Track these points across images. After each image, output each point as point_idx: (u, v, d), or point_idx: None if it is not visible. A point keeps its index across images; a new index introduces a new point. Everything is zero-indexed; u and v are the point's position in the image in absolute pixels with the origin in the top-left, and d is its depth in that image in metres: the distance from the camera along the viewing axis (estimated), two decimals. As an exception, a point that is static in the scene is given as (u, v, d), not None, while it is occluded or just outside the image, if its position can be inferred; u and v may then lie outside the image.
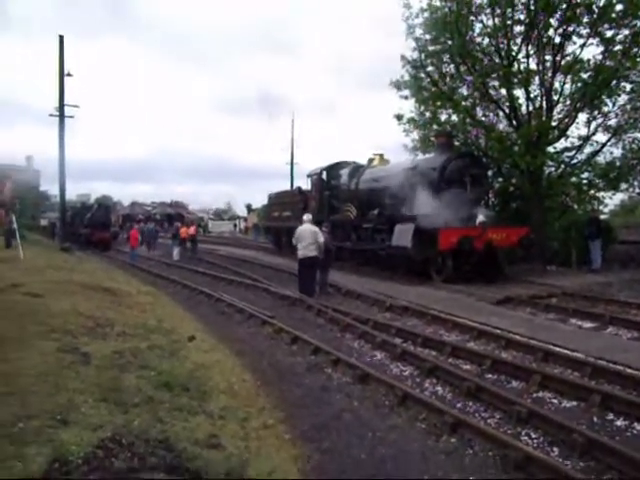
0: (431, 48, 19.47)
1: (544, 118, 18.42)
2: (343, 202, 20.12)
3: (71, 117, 27.99)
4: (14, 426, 4.12)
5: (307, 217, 13.69)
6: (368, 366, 7.54)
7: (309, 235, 12.95)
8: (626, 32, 17.23)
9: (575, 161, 19.19)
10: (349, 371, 7.40)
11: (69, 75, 27.24)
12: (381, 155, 20.60)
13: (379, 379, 6.91)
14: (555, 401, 6.20)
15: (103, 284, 13.34)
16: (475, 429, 5.26)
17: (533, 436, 5.26)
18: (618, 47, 17.41)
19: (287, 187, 36.30)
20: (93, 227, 32.55)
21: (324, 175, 21.76)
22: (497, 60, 18.94)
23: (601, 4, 17.01)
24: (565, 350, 7.78)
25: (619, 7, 16.93)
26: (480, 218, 14.57)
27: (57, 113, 27.24)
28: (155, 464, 3.93)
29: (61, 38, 26.91)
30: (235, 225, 60.72)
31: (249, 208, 64.49)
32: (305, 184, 23.79)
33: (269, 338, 9.72)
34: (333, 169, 21.58)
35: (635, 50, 17.28)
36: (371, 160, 20.73)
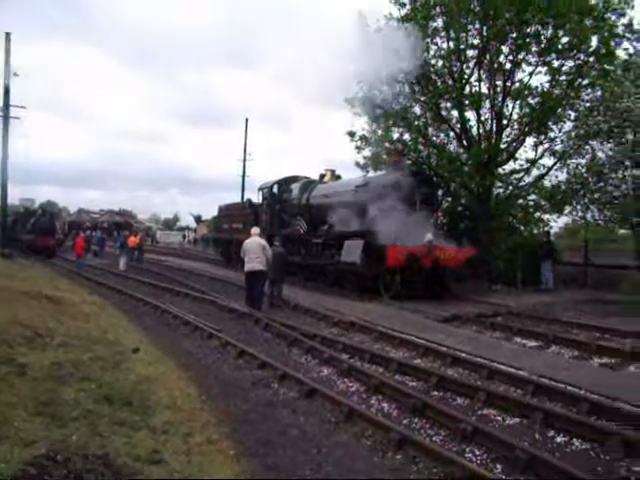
0: (385, 68, 19.75)
1: (494, 140, 18.97)
2: (294, 216, 20.19)
3: (17, 118, 27.17)
4: (-60, 440, 3.90)
5: (255, 230, 13.60)
6: (315, 382, 7.50)
7: (256, 248, 12.83)
8: (571, 63, 18.02)
9: (522, 183, 19.81)
10: (295, 386, 7.33)
11: (16, 75, 26.46)
12: (332, 171, 20.77)
13: (325, 395, 6.87)
14: (499, 418, 6.29)
15: (46, 292, 12.88)
16: (420, 446, 5.27)
17: (477, 453, 5.31)
18: (564, 77, 18.15)
19: (238, 199, 36.09)
20: (37, 233, 31.47)
21: (275, 189, 21.84)
22: (450, 82, 19.42)
23: (548, 35, 17.71)
24: (509, 368, 7.92)
25: (565, 39, 17.68)
26: (428, 237, 14.79)
27: (1, 113, 26.36)
28: (92, 481, 3.77)
29: (7, 35, 26.14)
30: (184, 236, 59.83)
31: (198, 219, 63.72)
32: (257, 197, 23.74)
33: (215, 351, 9.56)
34: (285, 183, 21.68)
35: (579, 80, 18.04)
36: (322, 176, 20.90)
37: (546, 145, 19.30)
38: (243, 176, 42.75)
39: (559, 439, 5.63)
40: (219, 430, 5.64)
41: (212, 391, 7.16)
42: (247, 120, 43.10)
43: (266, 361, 8.42)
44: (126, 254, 25.75)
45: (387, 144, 20.92)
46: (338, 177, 20.59)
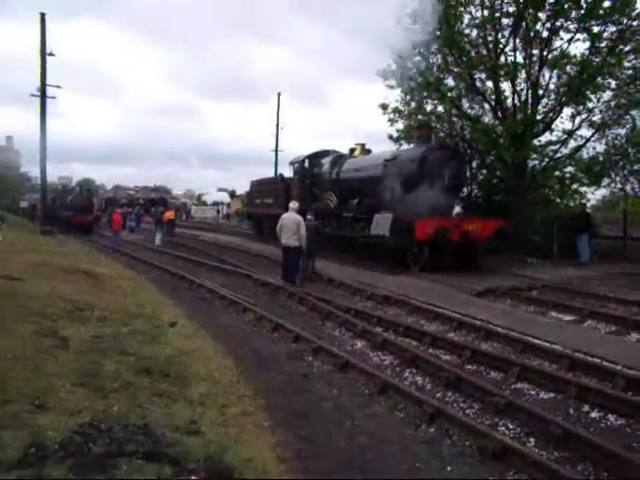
0: (419, 39, 19.41)
1: (529, 111, 18.52)
2: (324, 191, 20.26)
3: (53, 98, 27.61)
4: (-10, 410, 4.08)
5: (293, 205, 13.59)
6: (349, 354, 7.58)
7: (292, 225, 12.89)
8: (613, 29, 17.40)
9: (559, 155, 19.37)
10: (330, 359, 7.42)
11: (51, 55, 26.80)
12: (362, 145, 20.66)
13: (359, 368, 6.94)
14: (533, 392, 6.27)
15: (84, 268, 13.21)
16: (453, 419, 5.31)
17: (510, 427, 5.32)
18: (604, 43, 17.54)
19: (271, 174, 36.16)
20: (75, 210, 32.14)
21: (306, 163, 21.89)
22: (484, 52, 18.99)
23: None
24: (544, 342, 7.86)
25: (607, 3, 17.04)
26: (456, 209, 14.91)
27: (38, 93, 26.82)
28: (133, 450, 3.91)
29: (42, 16, 26.44)
30: (218, 211, 60.36)
31: (232, 194, 64.13)
32: (288, 172, 23.79)
33: (250, 325, 9.71)
34: (315, 158, 21.71)
35: (621, 47, 17.43)
36: (352, 150, 20.81)
37: (584, 115, 18.78)
38: (276, 150, 42.78)
39: (594, 414, 5.60)
40: (255, 402, 5.76)
41: (247, 364, 7.29)
42: (279, 94, 42.96)
43: (300, 334, 8.52)
44: (161, 229, 26.18)
45: (420, 116, 20.70)
46: (368, 151, 20.44)
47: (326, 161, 20.70)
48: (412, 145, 18.19)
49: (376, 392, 6.23)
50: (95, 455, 3.74)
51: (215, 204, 65.54)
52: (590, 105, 18.54)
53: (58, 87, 27.97)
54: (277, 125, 42.97)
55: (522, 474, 4.40)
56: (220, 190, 70.02)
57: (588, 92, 18.11)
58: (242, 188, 50.45)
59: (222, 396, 5.72)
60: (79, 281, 11.22)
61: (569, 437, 4.83)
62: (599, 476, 4.39)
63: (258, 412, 5.48)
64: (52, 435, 3.85)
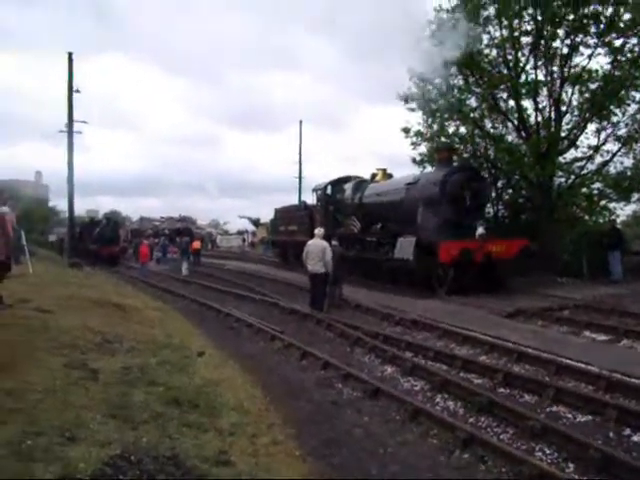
0: (438, 60, 19.50)
1: (553, 129, 18.42)
2: (347, 216, 20.41)
3: (79, 133, 28.28)
4: (22, 443, 4.08)
5: (318, 232, 13.59)
6: (378, 381, 7.48)
7: (317, 251, 12.88)
8: (634, 41, 17.23)
9: (585, 171, 19.15)
10: (359, 386, 7.33)
11: (77, 91, 27.53)
12: (384, 170, 20.81)
13: (390, 394, 6.84)
14: (570, 415, 6.10)
15: (112, 299, 13.33)
16: (488, 444, 5.18)
17: (547, 452, 5.17)
18: (627, 56, 17.39)
19: (294, 201, 36.38)
20: (101, 242, 32.60)
21: (329, 190, 22.15)
22: (505, 71, 19.01)
23: (608, 14, 17.03)
24: (578, 363, 7.67)
25: (627, 16, 16.94)
26: (479, 230, 14.94)
27: (66, 129, 27.51)
28: (164, 481, 3.87)
29: (70, 55, 27.29)
30: (244, 240, 60.75)
31: (257, 222, 64.49)
32: (311, 199, 24.00)
33: (278, 353, 9.67)
34: (337, 184, 21.97)
35: (644, 59, 17.26)
36: (374, 175, 20.96)
37: (609, 130, 18.60)
38: (299, 177, 43.16)
39: (636, 438, 5.41)
40: (285, 431, 5.70)
41: (276, 392, 7.24)
42: (301, 122, 43.45)
43: (329, 361, 8.46)
44: (187, 259, 26.40)
45: (442, 138, 20.71)
46: (390, 176, 20.55)
47: (348, 187, 20.89)
48: (433, 168, 18.19)
49: (407, 418, 6.12)
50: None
51: (240, 233, 66.00)
52: (615, 119, 18.39)
53: (84, 122, 28.72)
54: (299, 152, 43.46)
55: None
56: (242, 217, 70.48)
57: (612, 106, 17.97)
58: (266, 216, 50.76)
59: (252, 425, 5.66)
60: (107, 313, 11.30)
61: (609, 462, 4.67)
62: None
63: (288, 441, 5.42)
64: (83, 467, 3.84)
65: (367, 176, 21.45)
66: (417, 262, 14.70)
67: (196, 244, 30.28)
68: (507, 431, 5.73)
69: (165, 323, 11.73)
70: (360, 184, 20.42)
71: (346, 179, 21.80)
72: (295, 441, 5.46)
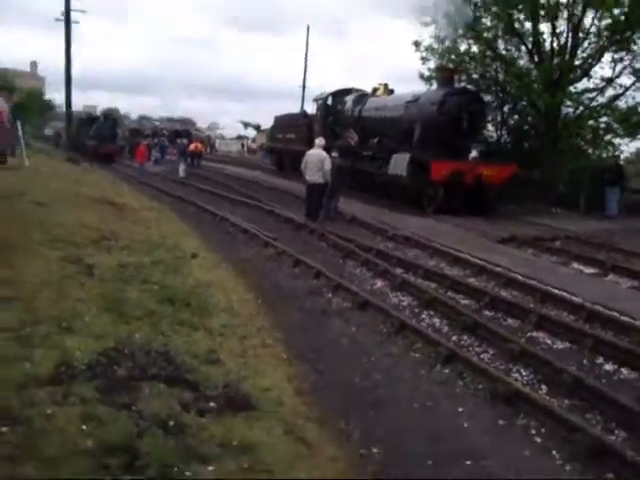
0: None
1: (568, 56, 17.81)
2: (346, 128, 20.27)
3: (77, 23, 27.24)
4: (21, 330, 4.23)
5: (319, 142, 13.48)
6: (368, 294, 7.65)
7: (316, 161, 12.83)
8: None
9: (595, 104, 18.69)
10: (349, 297, 7.50)
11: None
12: (385, 85, 20.45)
13: (378, 307, 7.02)
14: (549, 341, 6.31)
15: (108, 197, 13.35)
16: (468, 362, 5.39)
17: (524, 373, 5.39)
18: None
19: (298, 109, 35.70)
20: (99, 139, 32.17)
21: (329, 100, 22.03)
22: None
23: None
24: (563, 293, 7.83)
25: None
26: (473, 153, 15.08)
27: (63, 17, 26.42)
28: (155, 374, 4.05)
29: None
30: (243, 145, 60.08)
31: (258, 128, 63.58)
32: (312, 108, 23.73)
33: (272, 260, 9.80)
34: (338, 95, 21.80)
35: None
36: (375, 89, 20.61)
37: (626, 62, 17.96)
38: (303, 86, 42.07)
39: (608, 367, 5.62)
40: (273, 335, 5.89)
41: (268, 297, 7.41)
42: (308, 28, 41.88)
43: (321, 271, 8.60)
44: (185, 161, 26.20)
45: (453, 55, 20.13)
46: (391, 91, 20.24)
47: (349, 99, 20.77)
48: (434, 87, 17.89)
49: (393, 332, 6.31)
50: (120, 377, 3.88)
51: (239, 138, 65.15)
52: (635, 49, 17.69)
53: (83, 12, 27.62)
54: (305, 60, 42.12)
55: (531, 419, 4.48)
56: (243, 123, 69.44)
57: (635, 36, 17.29)
58: (267, 123, 49.96)
59: (241, 327, 5.84)
60: (104, 210, 11.35)
61: (581, 387, 4.89)
62: (608, 426, 4.46)
63: (276, 344, 5.61)
64: (79, 356, 4.00)
65: (369, 89, 21.10)
66: (410, 179, 14.99)
67: (198, 146, 30.03)
68: (488, 351, 5.93)
69: (161, 224, 11.80)
70: (361, 97, 20.31)
71: (347, 91, 21.60)
72: (283, 345, 5.66)
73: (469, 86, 19.07)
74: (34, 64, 66.42)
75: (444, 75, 16.61)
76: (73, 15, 26.81)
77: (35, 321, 4.43)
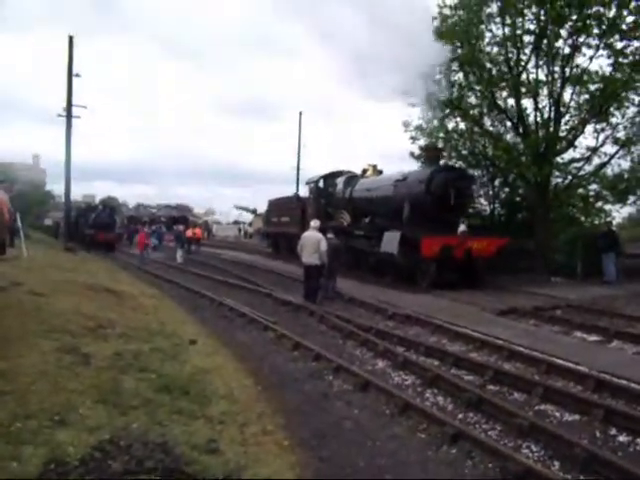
0: (441, 55, 19.48)
1: (552, 129, 18.41)
2: (338, 209, 20.86)
3: (78, 117, 28.10)
4: (11, 425, 4.11)
5: (314, 223, 13.65)
6: (369, 374, 7.51)
7: (312, 243, 12.93)
8: (636, 44, 17.21)
9: (583, 173, 19.16)
10: (350, 379, 7.36)
11: (77, 76, 27.35)
12: (374, 166, 21.26)
13: (380, 387, 6.87)
14: (557, 414, 6.14)
15: (106, 285, 13.33)
16: (476, 440, 5.22)
17: (534, 449, 5.21)
18: (628, 59, 17.37)
19: (293, 192, 36.36)
20: (98, 228, 32.55)
21: (321, 183, 22.77)
22: (506, 69, 18.97)
23: (611, 15, 16.99)
24: (568, 363, 7.71)
25: (630, 19, 16.92)
26: (461, 228, 15.44)
27: (65, 113, 27.33)
28: (153, 467, 3.90)
29: (70, 39, 27.04)
30: (240, 229, 60.75)
31: (254, 212, 64.42)
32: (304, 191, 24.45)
33: (271, 343, 9.69)
34: (329, 178, 22.54)
35: (645, 63, 17.24)
36: (365, 170, 21.41)
37: (608, 132, 18.59)
38: (297, 169, 42.93)
39: (622, 438, 5.45)
40: (274, 421, 5.73)
41: (267, 382, 7.26)
42: (301, 113, 43.24)
43: (321, 353, 8.47)
44: (182, 247, 26.39)
45: (442, 134, 20.77)
46: (380, 172, 21.01)
47: (340, 181, 21.48)
48: (419, 167, 18.52)
49: (397, 412, 6.15)
50: (114, 472, 3.74)
51: (236, 223, 65.91)
52: (614, 121, 18.40)
53: (84, 107, 28.48)
54: (299, 144, 43.20)
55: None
56: (238, 208, 70.42)
57: (612, 108, 17.99)
58: (264, 207, 50.78)
59: (242, 414, 5.69)
60: (101, 298, 11.31)
61: (595, 461, 4.71)
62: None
63: (278, 431, 5.44)
64: (72, 451, 3.87)
65: (361, 168, 21.87)
66: (401, 256, 15.25)
67: (197, 232, 31.28)
68: (495, 428, 5.76)
69: (159, 310, 11.73)
70: (351, 179, 21.01)
71: (338, 173, 22.36)
72: (284, 431, 5.49)
73: (453, 163, 20.13)
74: (37, 157, 68.25)
75: (430, 154, 17.23)
76: (74, 110, 27.70)
77: (27, 415, 4.31)
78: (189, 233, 29.64)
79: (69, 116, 27.35)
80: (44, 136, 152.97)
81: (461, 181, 16.11)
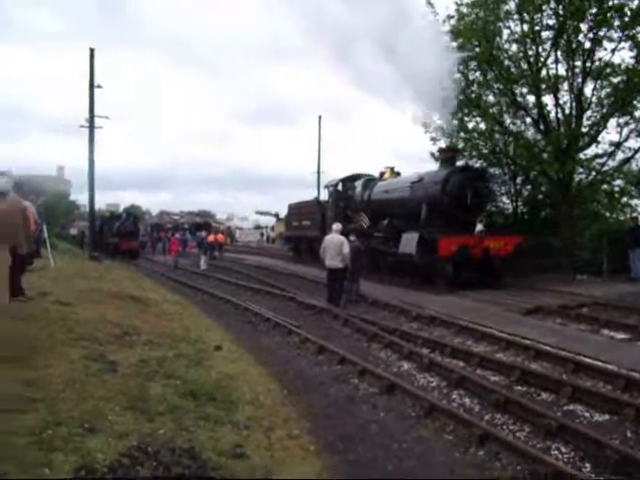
0: (458, 55, 19.36)
1: (574, 125, 18.17)
2: (357, 212, 20.96)
3: (100, 128, 28.47)
4: (43, 432, 4.16)
5: (336, 227, 13.65)
6: (395, 376, 7.48)
7: (335, 246, 12.92)
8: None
9: (606, 168, 18.85)
10: (375, 381, 7.34)
11: (99, 87, 27.72)
12: (392, 168, 21.28)
13: (406, 390, 6.84)
14: (587, 414, 6.05)
15: (131, 293, 13.47)
16: (503, 442, 5.16)
17: (564, 450, 5.14)
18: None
19: (314, 195, 36.42)
20: (122, 236, 32.96)
21: (340, 186, 22.92)
22: (525, 66, 18.79)
23: (634, 6, 16.71)
24: (597, 362, 7.59)
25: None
26: (478, 227, 15.58)
27: (87, 124, 27.71)
28: (180, 473, 3.92)
29: (92, 51, 27.44)
30: (262, 234, 61.01)
31: (277, 216, 64.66)
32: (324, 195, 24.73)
33: (295, 347, 9.70)
34: (348, 181, 22.71)
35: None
36: (383, 173, 21.46)
37: (632, 126, 18.25)
38: (318, 172, 42.92)
39: (654, 437, 5.35)
40: (300, 425, 5.73)
41: (293, 387, 7.28)
42: (320, 117, 43.23)
43: (345, 356, 8.47)
44: (205, 253, 26.57)
45: (462, 134, 20.63)
46: (397, 174, 21.02)
47: (358, 184, 21.62)
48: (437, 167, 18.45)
49: (423, 414, 6.11)
50: (143, 478, 3.77)
51: (258, 227, 66.21)
52: (638, 114, 18.06)
53: (106, 118, 28.86)
54: (319, 149, 43.22)
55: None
56: (260, 213, 70.78)
57: (635, 101, 17.69)
58: (285, 211, 50.95)
59: (267, 419, 5.70)
60: (126, 306, 11.43)
61: (627, 462, 4.63)
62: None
63: (304, 435, 5.45)
64: (101, 458, 3.90)
65: (380, 171, 21.93)
66: (419, 257, 15.33)
67: (221, 237, 32.39)
68: (523, 429, 5.70)
69: (183, 317, 11.83)
70: (369, 182, 21.13)
71: (356, 177, 22.53)
72: (310, 436, 5.49)
73: (474, 163, 20.12)
74: (61, 168, 69.37)
75: (446, 155, 17.19)
76: (96, 121, 28.08)
77: (57, 422, 4.36)
78: (211, 239, 29.82)
79: (92, 127, 27.72)
80: (67, 147, 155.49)
81: (478, 181, 16.15)
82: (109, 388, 5.55)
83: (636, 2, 16.74)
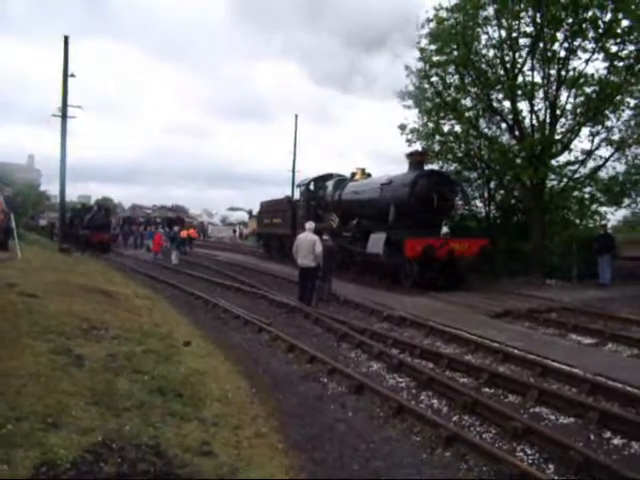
0: (435, 59, 19.52)
1: (547, 132, 18.45)
2: (327, 212, 21.22)
3: (73, 117, 27.91)
4: (3, 428, 4.06)
5: (309, 225, 13.51)
6: (364, 376, 7.48)
7: (307, 245, 12.85)
8: (631, 48, 17.30)
9: (578, 175, 19.22)
10: (345, 381, 7.33)
11: (72, 76, 27.18)
12: (363, 170, 21.57)
13: (375, 390, 6.85)
14: (552, 417, 6.13)
15: (100, 286, 13.26)
16: (470, 443, 5.19)
17: (529, 452, 5.19)
18: (623, 63, 17.43)
19: (288, 193, 36.37)
20: (93, 229, 32.45)
21: (312, 186, 23.25)
22: (502, 72, 19.01)
23: (607, 19, 17.05)
24: (563, 366, 7.71)
25: (625, 23, 16.98)
26: (444, 229, 16.20)
27: (60, 113, 27.17)
28: (145, 470, 3.86)
29: (66, 39, 26.82)
30: (235, 231, 60.69)
31: (250, 213, 64.42)
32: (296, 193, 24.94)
33: (265, 345, 9.66)
34: (320, 181, 23.04)
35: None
36: (354, 174, 21.72)
37: (603, 135, 18.69)
38: (293, 171, 42.84)
39: (616, 441, 5.44)
40: (268, 423, 5.70)
41: (262, 385, 7.23)
42: (297, 116, 43.14)
43: (316, 355, 8.45)
44: (177, 248, 26.30)
45: (438, 136, 20.79)
46: (368, 175, 21.32)
47: (330, 184, 21.89)
48: (405, 171, 18.65)
49: (391, 415, 6.12)
50: (106, 475, 3.70)
51: (231, 224, 65.84)
52: (609, 124, 18.48)
53: (79, 107, 28.25)
54: (294, 147, 43.11)
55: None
56: (233, 209, 70.45)
57: (607, 111, 18.04)
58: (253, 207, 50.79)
59: (235, 417, 5.66)
60: (95, 299, 11.24)
61: (590, 464, 4.69)
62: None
63: (272, 434, 5.42)
64: (64, 454, 3.82)
65: (351, 171, 22.21)
66: (386, 256, 15.76)
67: (192, 232, 32.35)
68: (490, 430, 5.75)
69: (153, 311, 11.68)
70: (340, 182, 21.39)
71: (328, 176, 22.82)
72: (278, 434, 5.46)
73: (448, 166, 21.01)
74: (31, 157, 67.79)
75: (415, 159, 17.41)
76: (69, 110, 27.52)
77: (19, 417, 4.26)
78: (184, 234, 29.58)
79: (64, 116, 27.17)
80: (39, 136, 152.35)
81: (444, 185, 16.51)
82: (75, 383, 5.45)
83: (609, 15, 17.09)
